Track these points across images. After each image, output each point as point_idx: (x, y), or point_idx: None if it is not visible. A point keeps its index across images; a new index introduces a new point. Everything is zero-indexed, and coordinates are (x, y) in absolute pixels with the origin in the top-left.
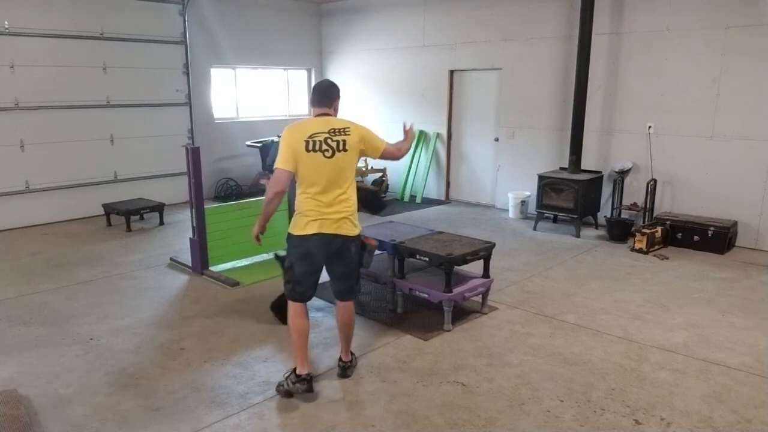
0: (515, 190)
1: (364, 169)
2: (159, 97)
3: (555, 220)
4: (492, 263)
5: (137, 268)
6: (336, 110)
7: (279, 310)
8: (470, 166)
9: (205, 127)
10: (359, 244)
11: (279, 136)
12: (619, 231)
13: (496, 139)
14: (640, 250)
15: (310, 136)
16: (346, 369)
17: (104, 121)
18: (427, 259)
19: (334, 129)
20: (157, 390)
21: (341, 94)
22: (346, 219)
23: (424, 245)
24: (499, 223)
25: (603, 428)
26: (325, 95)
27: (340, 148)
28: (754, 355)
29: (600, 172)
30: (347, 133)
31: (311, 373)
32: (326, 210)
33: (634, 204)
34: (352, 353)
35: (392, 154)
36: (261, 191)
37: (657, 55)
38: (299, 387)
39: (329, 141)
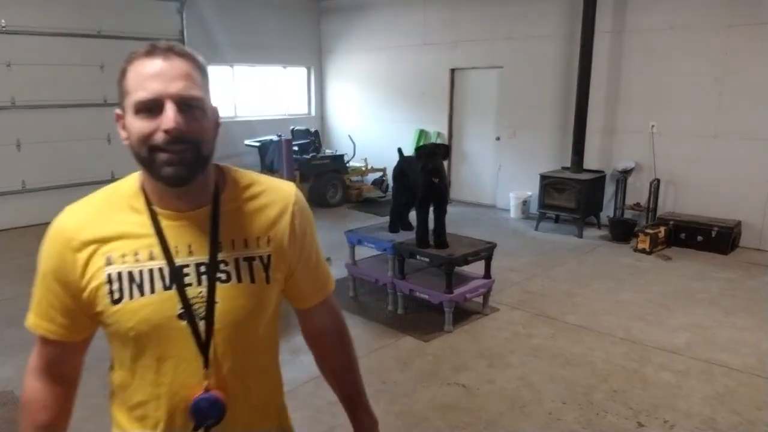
0: (517, 190)
1: (363, 168)
2: None
3: (557, 220)
4: (493, 264)
5: None
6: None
7: None
8: (471, 165)
9: None
10: None
11: (279, 135)
12: (622, 231)
13: (498, 139)
14: (643, 251)
15: None
16: None
17: (102, 120)
18: (427, 259)
19: None
20: None
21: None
22: None
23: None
24: (500, 223)
25: (605, 431)
26: None
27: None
28: (757, 356)
29: (602, 171)
30: None
31: None
32: None
33: (637, 204)
34: None
35: None
36: None
37: (659, 53)
38: None
39: None
